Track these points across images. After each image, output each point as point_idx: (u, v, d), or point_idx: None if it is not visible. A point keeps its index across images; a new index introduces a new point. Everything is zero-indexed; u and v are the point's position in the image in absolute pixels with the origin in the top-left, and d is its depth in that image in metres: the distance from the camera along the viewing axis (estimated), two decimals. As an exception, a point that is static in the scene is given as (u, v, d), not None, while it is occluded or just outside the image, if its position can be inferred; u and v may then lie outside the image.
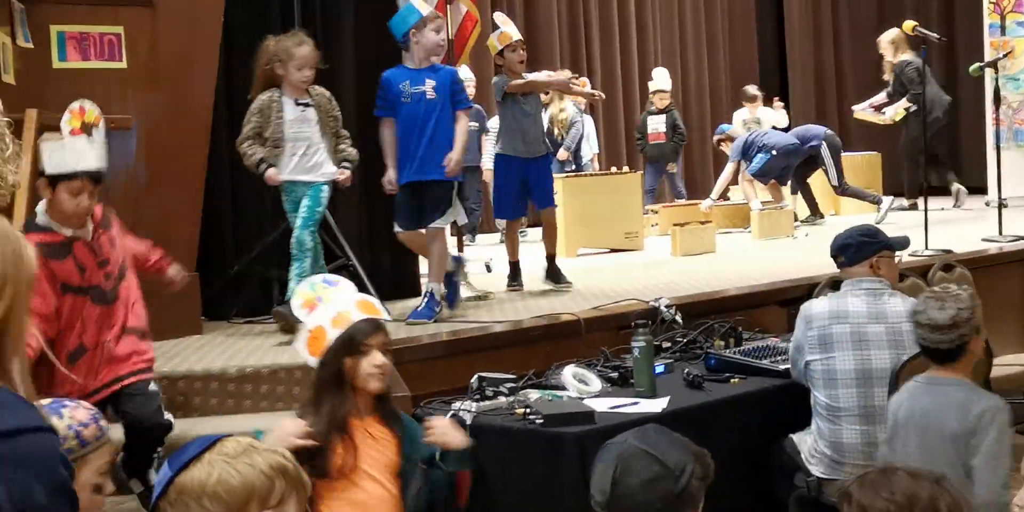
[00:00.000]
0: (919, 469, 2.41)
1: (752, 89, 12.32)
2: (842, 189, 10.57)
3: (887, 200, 10.26)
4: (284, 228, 6.15)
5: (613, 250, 9.37)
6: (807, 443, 4.56)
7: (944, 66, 13.76)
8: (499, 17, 7.24)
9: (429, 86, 6.07)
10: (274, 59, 5.69)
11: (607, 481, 2.47)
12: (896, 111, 10.60)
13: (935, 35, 8.69)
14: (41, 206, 4.19)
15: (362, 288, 6.28)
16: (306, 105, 5.78)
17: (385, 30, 6.28)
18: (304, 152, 5.76)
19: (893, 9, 14.47)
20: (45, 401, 2.27)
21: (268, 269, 6.38)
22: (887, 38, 10.68)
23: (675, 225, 9.14)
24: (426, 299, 6.05)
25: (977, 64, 9.62)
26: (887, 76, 11.02)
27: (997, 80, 9.27)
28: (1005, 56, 10.45)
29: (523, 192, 7.01)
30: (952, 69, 13.69)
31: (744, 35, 15.24)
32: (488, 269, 8.17)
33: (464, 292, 6.68)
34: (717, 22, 14.92)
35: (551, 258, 7.06)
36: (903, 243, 4.87)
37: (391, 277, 6.92)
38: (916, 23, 8.63)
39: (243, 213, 6.71)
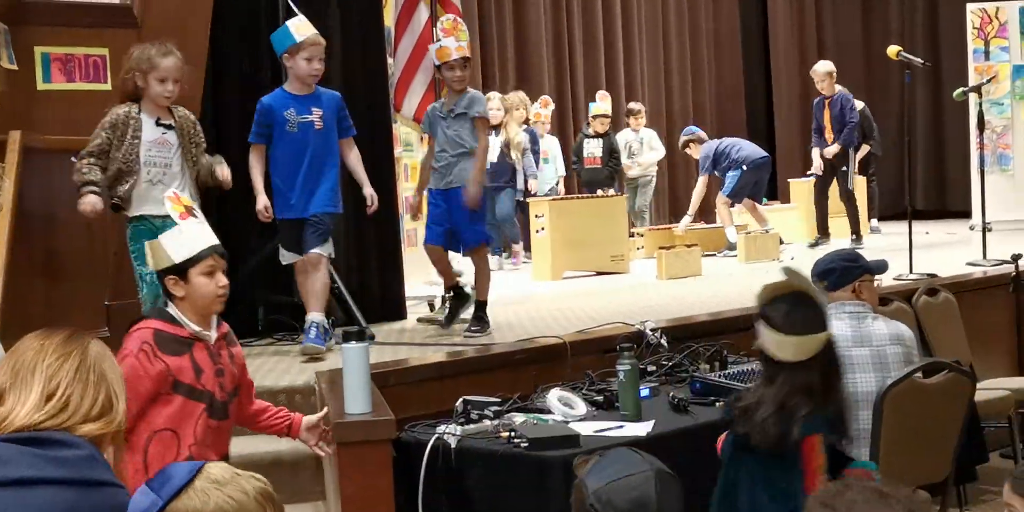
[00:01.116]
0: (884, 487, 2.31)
1: (636, 105, 12.09)
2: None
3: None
4: (269, 249, 6.14)
5: (599, 273, 9.37)
6: (792, 467, 4.55)
7: (929, 90, 13.85)
8: (445, 22, 6.49)
9: (316, 115, 5.78)
10: (135, 68, 5.11)
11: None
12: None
13: (919, 60, 8.73)
14: (170, 307, 3.68)
15: (348, 311, 6.30)
16: (168, 127, 5.20)
17: (371, 41, 6.29)
18: (160, 180, 5.14)
19: (878, 32, 14.60)
20: None
21: (252, 290, 6.36)
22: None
23: (661, 248, 9.15)
24: (313, 327, 5.72)
25: (961, 89, 9.66)
26: None
27: (981, 105, 9.31)
28: (989, 81, 10.51)
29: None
30: (937, 93, 13.78)
31: (730, 56, 15.30)
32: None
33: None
34: (702, 43, 14.98)
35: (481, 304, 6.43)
36: (882, 267, 4.88)
37: (378, 300, 6.90)
38: (900, 48, 8.66)
39: (228, 234, 6.67)
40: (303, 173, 5.76)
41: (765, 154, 10.66)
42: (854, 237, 10.39)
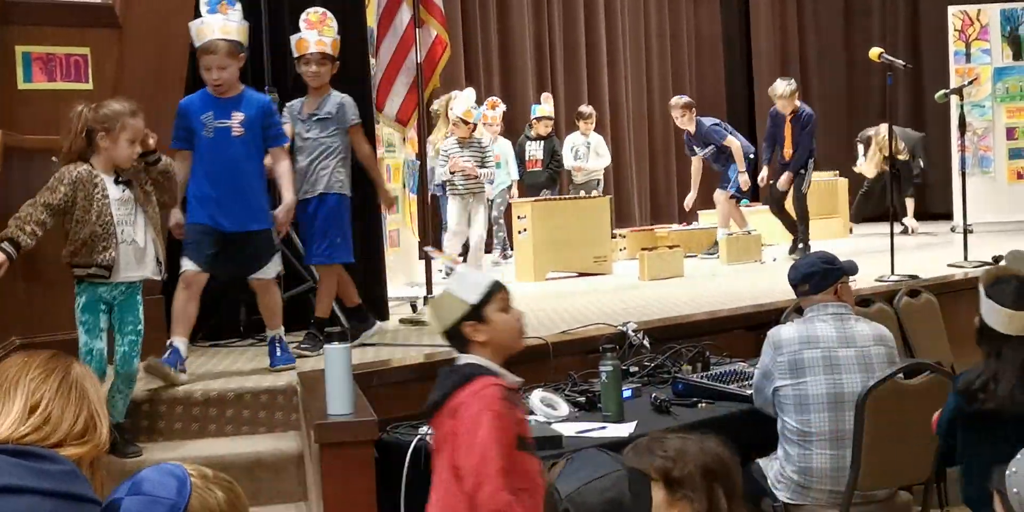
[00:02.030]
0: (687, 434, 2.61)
1: (587, 108, 11.60)
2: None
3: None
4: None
5: (581, 274, 9.37)
6: (773, 468, 4.56)
7: (910, 93, 13.89)
8: (312, 14, 6.07)
9: (236, 120, 5.36)
10: (100, 127, 4.73)
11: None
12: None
13: (901, 62, 8.75)
14: (471, 358, 3.35)
15: (330, 312, 6.28)
16: (126, 183, 4.84)
17: (356, 52, 6.25)
18: (133, 239, 4.82)
19: (860, 36, 14.63)
20: None
21: (234, 292, 6.34)
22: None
23: (643, 249, 9.16)
24: (278, 345, 5.52)
25: (943, 91, 9.71)
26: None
27: (962, 107, 9.35)
28: (970, 83, 10.56)
29: None
30: (918, 95, 13.83)
31: (711, 61, 15.33)
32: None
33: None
34: (684, 48, 15.00)
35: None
36: (854, 269, 4.91)
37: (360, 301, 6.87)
38: (882, 50, 8.69)
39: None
40: (219, 182, 5.35)
41: (752, 148, 10.68)
42: (801, 246, 9.85)
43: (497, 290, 3.36)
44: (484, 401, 3.19)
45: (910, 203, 11.86)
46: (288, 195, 5.55)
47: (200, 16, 5.61)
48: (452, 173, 8.68)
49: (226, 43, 5.38)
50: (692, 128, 10.42)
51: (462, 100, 8.97)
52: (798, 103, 10.00)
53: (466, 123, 8.71)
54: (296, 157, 5.89)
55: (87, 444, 2.23)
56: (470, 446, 3.12)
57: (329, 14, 6.06)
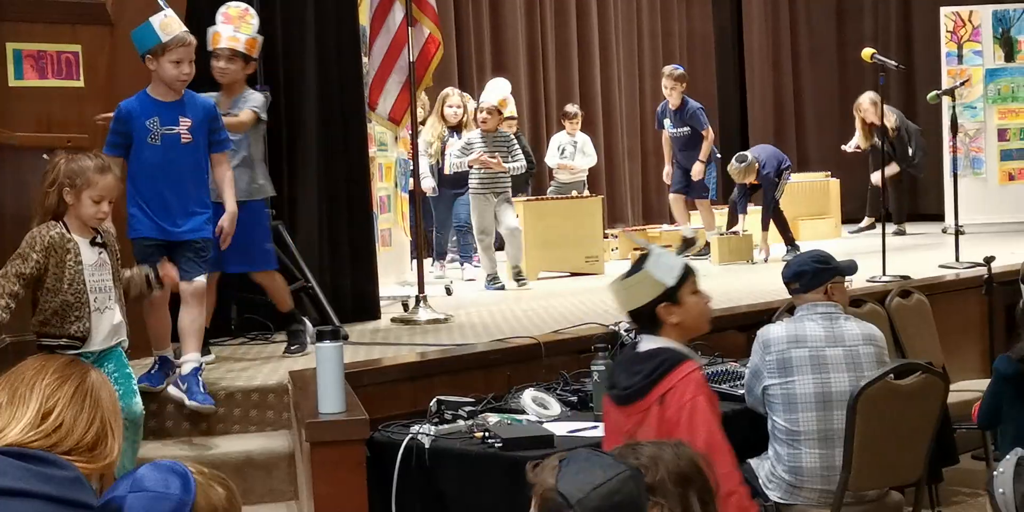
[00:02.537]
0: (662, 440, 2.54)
1: (572, 107, 11.25)
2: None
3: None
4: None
5: (573, 274, 9.37)
6: (764, 468, 4.56)
7: (902, 93, 13.90)
8: (232, 9, 5.80)
9: (184, 127, 5.03)
10: (64, 182, 4.31)
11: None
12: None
13: (893, 62, 8.77)
14: (662, 341, 3.43)
15: (322, 310, 6.28)
16: (102, 246, 4.43)
17: (348, 51, 6.22)
18: (106, 306, 4.43)
19: (852, 35, 14.63)
20: None
21: (226, 290, 6.33)
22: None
23: (635, 249, 9.14)
24: (194, 378, 4.96)
25: (935, 92, 9.70)
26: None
27: (954, 108, 9.36)
28: (962, 84, 10.56)
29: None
30: (910, 96, 13.84)
31: (703, 60, 15.32)
32: (448, 292, 8.15)
33: (424, 315, 6.66)
34: (676, 47, 14.99)
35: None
36: (852, 269, 4.91)
37: (351, 300, 6.88)
38: (875, 50, 8.70)
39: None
40: (166, 193, 5.01)
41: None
42: (790, 247, 9.76)
43: (690, 273, 3.46)
44: (694, 386, 3.26)
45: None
46: (231, 204, 5.24)
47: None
48: (470, 167, 8.41)
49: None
50: (678, 102, 10.08)
51: (497, 89, 8.69)
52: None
53: (500, 113, 8.47)
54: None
55: (97, 460, 2.22)
56: (692, 432, 3.15)
57: (252, 11, 5.84)
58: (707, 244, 10.13)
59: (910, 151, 11.50)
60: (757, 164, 9.63)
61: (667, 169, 10.61)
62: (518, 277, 8.51)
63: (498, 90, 8.70)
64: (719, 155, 10.44)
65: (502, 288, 8.35)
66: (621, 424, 3.42)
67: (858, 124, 11.62)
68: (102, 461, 2.23)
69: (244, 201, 5.52)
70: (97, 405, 2.26)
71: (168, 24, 5.05)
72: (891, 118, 11.20)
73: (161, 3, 5.27)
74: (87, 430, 2.22)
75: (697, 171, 10.06)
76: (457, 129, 9.52)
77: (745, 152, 9.95)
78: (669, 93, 10.15)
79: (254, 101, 5.74)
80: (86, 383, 2.27)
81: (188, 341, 5.03)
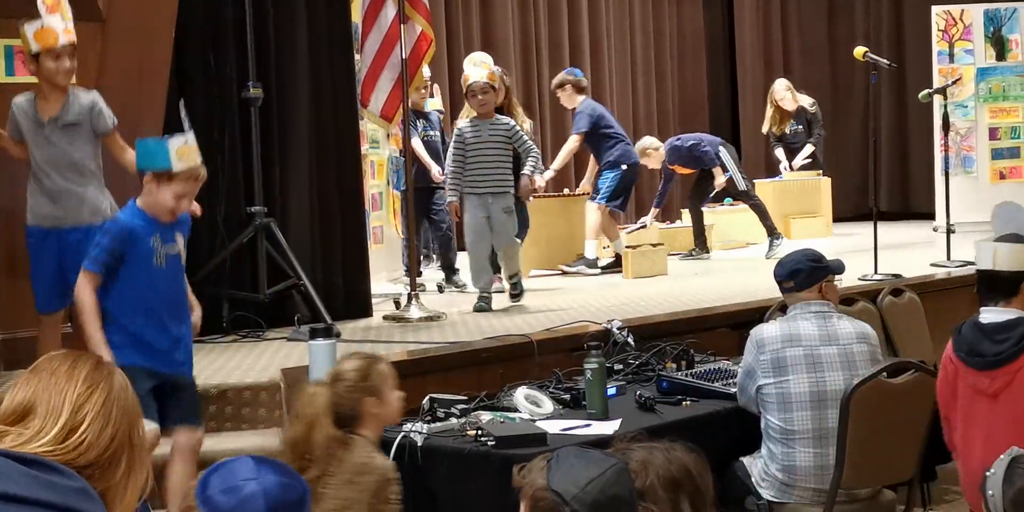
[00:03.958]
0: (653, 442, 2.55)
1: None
2: (752, 199, 10.04)
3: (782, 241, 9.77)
4: (235, 246, 6.10)
5: (565, 272, 9.36)
6: (757, 466, 4.56)
7: (894, 92, 13.92)
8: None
9: (180, 244, 4.46)
10: None
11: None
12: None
13: (885, 61, 8.77)
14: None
15: (314, 308, 6.27)
16: None
17: (341, 48, 6.20)
18: None
19: (844, 34, 14.64)
20: None
21: (218, 287, 6.32)
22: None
23: (627, 247, 9.14)
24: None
25: (926, 91, 9.71)
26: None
27: (946, 107, 9.36)
28: (954, 83, 10.58)
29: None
30: (902, 95, 13.86)
31: (694, 58, 15.32)
32: (440, 290, 8.14)
33: (415, 313, 6.65)
34: (667, 45, 14.99)
35: None
36: (841, 267, 4.92)
37: (343, 297, 6.87)
38: (867, 49, 8.70)
39: (193, 231, 6.63)
40: (165, 319, 4.39)
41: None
42: (772, 238, 9.75)
43: None
44: None
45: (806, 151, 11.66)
46: (196, 313, 4.63)
47: None
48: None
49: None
50: (570, 106, 9.34)
51: (481, 63, 7.40)
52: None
53: (494, 88, 7.09)
54: (40, 172, 4.98)
55: (107, 479, 2.13)
56: None
57: None
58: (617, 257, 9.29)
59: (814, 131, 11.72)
60: (655, 151, 10.02)
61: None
62: (514, 289, 7.19)
63: (482, 64, 7.35)
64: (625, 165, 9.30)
65: (487, 310, 7.00)
66: (983, 387, 4.15)
67: (770, 111, 11.65)
68: (107, 482, 2.18)
69: (62, 227, 4.99)
70: (123, 416, 2.20)
71: (186, 152, 4.34)
72: (806, 100, 11.40)
73: (184, 120, 4.64)
74: (106, 448, 2.17)
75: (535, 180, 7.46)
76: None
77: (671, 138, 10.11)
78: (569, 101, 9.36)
79: (103, 107, 5.07)
80: (113, 391, 2.20)
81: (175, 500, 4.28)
